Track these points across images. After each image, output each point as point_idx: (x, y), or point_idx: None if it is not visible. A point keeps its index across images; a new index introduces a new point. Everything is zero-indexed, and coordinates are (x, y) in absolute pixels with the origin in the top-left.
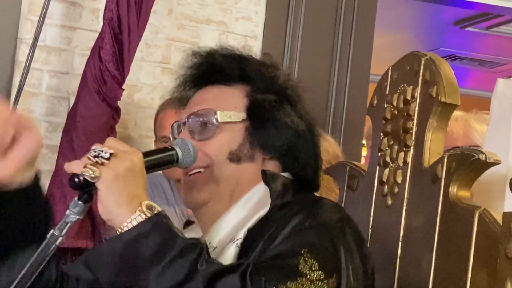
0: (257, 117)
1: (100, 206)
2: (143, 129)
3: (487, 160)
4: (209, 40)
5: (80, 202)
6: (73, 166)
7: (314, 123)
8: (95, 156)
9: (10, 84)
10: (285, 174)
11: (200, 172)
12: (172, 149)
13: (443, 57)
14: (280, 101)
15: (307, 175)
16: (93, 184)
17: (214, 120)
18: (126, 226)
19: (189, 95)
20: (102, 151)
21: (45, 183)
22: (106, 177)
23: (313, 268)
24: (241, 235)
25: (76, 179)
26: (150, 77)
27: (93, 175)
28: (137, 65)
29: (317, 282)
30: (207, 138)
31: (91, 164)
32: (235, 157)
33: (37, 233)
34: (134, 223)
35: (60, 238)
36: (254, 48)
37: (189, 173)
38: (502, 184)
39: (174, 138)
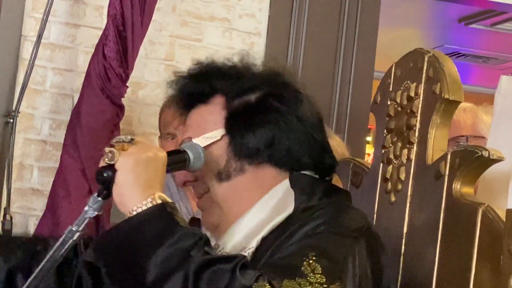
0: (235, 127)
1: (115, 188)
2: (147, 126)
3: (491, 157)
4: (213, 37)
5: (99, 199)
6: (100, 163)
7: (301, 102)
8: (117, 142)
9: (14, 82)
10: (307, 172)
11: (205, 194)
12: (184, 151)
13: (447, 54)
14: (256, 101)
15: (306, 164)
16: (113, 170)
17: (196, 147)
18: (135, 211)
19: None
20: (124, 137)
21: (49, 180)
22: (126, 160)
23: (315, 272)
24: (253, 244)
25: (105, 173)
26: (154, 74)
27: (112, 157)
28: (141, 62)
29: (316, 285)
30: (197, 167)
31: (111, 148)
32: (224, 176)
33: None
34: (144, 208)
35: (78, 234)
36: (258, 45)
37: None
38: (505, 181)
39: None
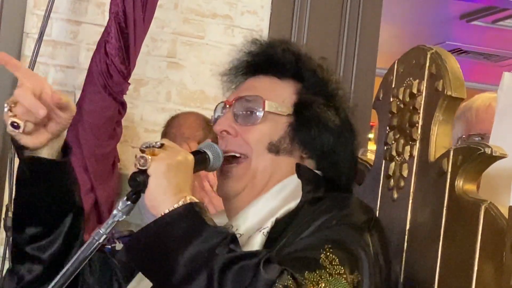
0: (303, 115)
1: (147, 192)
2: (149, 124)
3: (493, 154)
4: (215, 34)
5: (129, 202)
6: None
7: (357, 134)
8: (146, 147)
9: (16, 79)
10: (318, 172)
11: (236, 157)
12: (204, 152)
13: (449, 51)
14: (328, 106)
15: (341, 181)
16: (145, 175)
17: (261, 108)
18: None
19: (239, 80)
20: (154, 142)
21: None
22: (159, 165)
23: (333, 263)
24: (268, 224)
25: (138, 178)
26: (156, 71)
27: (144, 162)
28: (143, 59)
29: (336, 276)
30: (250, 124)
31: (142, 153)
32: (274, 148)
33: (70, 201)
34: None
35: (104, 236)
36: None
37: (225, 159)
38: (508, 178)
39: (216, 119)
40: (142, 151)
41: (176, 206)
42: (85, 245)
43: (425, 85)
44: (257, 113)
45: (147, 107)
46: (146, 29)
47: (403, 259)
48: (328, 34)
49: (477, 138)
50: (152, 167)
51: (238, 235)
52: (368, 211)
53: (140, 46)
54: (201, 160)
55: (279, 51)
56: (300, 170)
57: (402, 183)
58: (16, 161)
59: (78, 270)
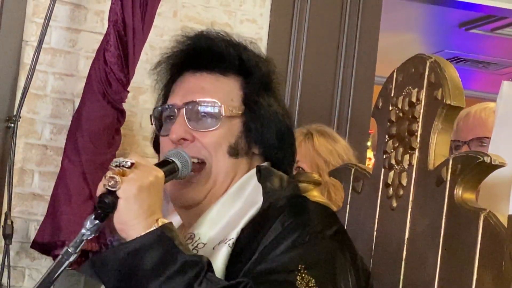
0: (253, 112)
1: (117, 215)
2: (148, 131)
3: (492, 163)
4: None
5: (97, 221)
6: (99, 187)
7: (290, 115)
8: (116, 166)
9: (15, 86)
10: (272, 168)
11: (199, 163)
12: (172, 161)
13: (447, 59)
14: (270, 96)
15: (284, 166)
16: (114, 196)
17: (218, 114)
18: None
19: (174, 74)
20: (123, 161)
21: (50, 184)
22: (129, 187)
23: (310, 285)
24: (233, 235)
25: (107, 200)
26: None
27: (114, 184)
28: (142, 67)
29: None
30: (206, 129)
31: (112, 173)
32: (233, 152)
33: None
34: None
35: (75, 255)
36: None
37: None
38: (507, 187)
39: (160, 126)
40: (112, 171)
41: (147, 231)
42: (54, 264)
43: (424, 93)
44: (215, 119)
45: (146, 115)
46: (145, 37)
47: (402, 268)
48: (327, 43)
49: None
50: (122, 190)
51: (201, 245)
52: (333, 220)
53: (139, 54)
54: (170, 171)
55: (222, 45)
56: (261, 174)
57: (401, 192)
58: (15, 168)
59: None
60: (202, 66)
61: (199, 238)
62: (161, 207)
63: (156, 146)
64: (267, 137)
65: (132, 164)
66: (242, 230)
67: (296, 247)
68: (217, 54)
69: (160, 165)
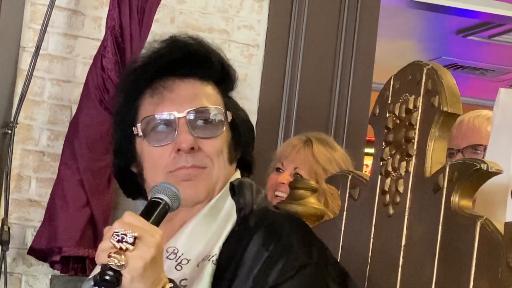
0: (238, 117)
1: None
2: None
3: (489, 170)
4: None
5: None
6: (99, 256)
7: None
8: (118, 241)
9: (13, 92)
10: (245, 179)
11: (204, 169)
12: (161, 199)
13: (445, 66)
14: (235, 100)
15: (252, 169)
16: (118, 273)
17: (222, 120)
18: None
19: (151, 80)
20: (126, 235)
21: (47, 191)
22: (134, 267)
23: None
24: (216, 251)
25: (108, 278)
26: None
27: (119, 264)
28: None
29: None
30: (211, 137)
31: (115, 252)
32: (230, 158)
33: None
34: None
35: None
36: (256, 57)
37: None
38: (504, 194)
39: (160, 131)
40: (114, 249)
41: None
42: None
43: (421, 101)
44: (218, 126)
45: None
46: (143, 43)
47: (399, 275)
48: (325, 49)
49: (479, 151)
50: (127, 271)
51: (185, 261)
52: (309, 235)
53: None
54: (163, 215)
55: (206, 50)
56: (234, 192)
57: (398, 199)
58: (12, 174)
59: None
60: (189, 72)
61: (182, 254)
62: (163, 267)
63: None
64: (249, 142)
65: (135, 238)
66: (223, 245)
67: (291, 276)
68: (204, 60)
69: (150, 209)
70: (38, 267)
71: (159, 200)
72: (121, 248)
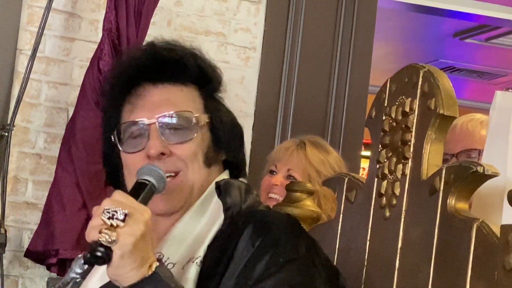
0: (217, 119)
1: (111, 269)
2: None
3: (485, 173)
4: (208, 52)
5: (86, 267)
6: (90, 233)
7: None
8: (109, 218)
9: (9, 95)
10: (226, 174)
11: (171, 176)
12: (147, 181)
13: (442, 69)
14: (222, 100)
15: (243, 172)
16: (108, 249)
17: (193, 124)
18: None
19: (127, 87)
20: (116, 212)
21: (43, 194)
22: (125, 243)
23: None
24: (200, 253)
25: (99, 254)
26: None
27: (110, 240)
28: None
29: None
30: (182, 141)
31: (106, 228)
32: (207, 161)
33: None
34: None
35: None
36: (253, 59)
37: None
38: (500, 197)
39: (134, 137)
40: (105, 225)
41: (141, 277)
42: None
43: (417, 103)
44: (190, 130)
45: None
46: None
47: (395, 278)
48: (321, 52)
49: (473, 156)
50: (118, 247)
51: (171, 265)
52: (298, 231)
53: None
54: (149, 194)
55: (181, 54)
56: (220, 191)
57: (394, 201)
58: (9, 176)
59: None
60: (162, 77)
61: (168, 258)
62: (152, 245)
63: (111, 166)
64: (232, 144)
65: (125, 215)
66: (209, 247)
67: (277, 270)
68: (177, 64)
69: (137, 189)
70: (35, 269)
71: (146, 182)
72: (111, 225)
